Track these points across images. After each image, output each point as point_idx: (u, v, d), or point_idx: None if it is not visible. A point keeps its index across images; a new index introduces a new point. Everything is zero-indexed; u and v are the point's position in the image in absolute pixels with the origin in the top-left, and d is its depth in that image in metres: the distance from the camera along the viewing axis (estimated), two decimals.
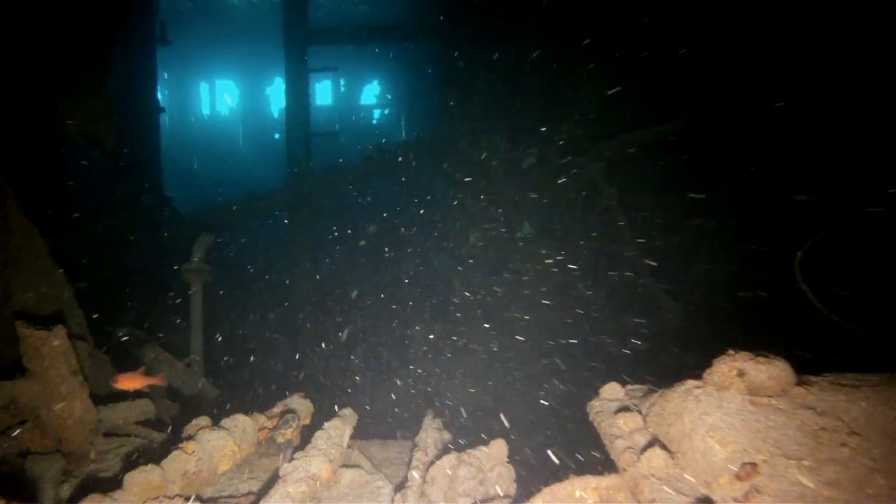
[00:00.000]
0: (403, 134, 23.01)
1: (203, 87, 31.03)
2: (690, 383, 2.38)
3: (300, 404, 3.73)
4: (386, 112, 30.61)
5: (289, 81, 11.26)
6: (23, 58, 4.54)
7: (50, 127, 4.90)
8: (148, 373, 4.48)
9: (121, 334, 5.63)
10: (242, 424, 3.22)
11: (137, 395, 4.78)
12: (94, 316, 5.71)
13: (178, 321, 6.66)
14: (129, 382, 3.71)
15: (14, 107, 4.54)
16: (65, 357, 3.49)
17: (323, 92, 32.88)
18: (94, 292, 6.71)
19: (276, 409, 3.66)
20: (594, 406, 2.81)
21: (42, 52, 4.68)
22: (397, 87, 26.10)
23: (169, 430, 4.11)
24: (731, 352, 2.35)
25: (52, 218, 7.59)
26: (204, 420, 3.17)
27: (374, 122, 31.10)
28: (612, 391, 2.92)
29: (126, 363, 5.64)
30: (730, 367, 2.29)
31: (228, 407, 5.48)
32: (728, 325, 7.67)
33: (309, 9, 11.46)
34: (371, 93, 33.95)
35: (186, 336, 6.27)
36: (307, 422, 3.67)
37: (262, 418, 3.43)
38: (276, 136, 23.14)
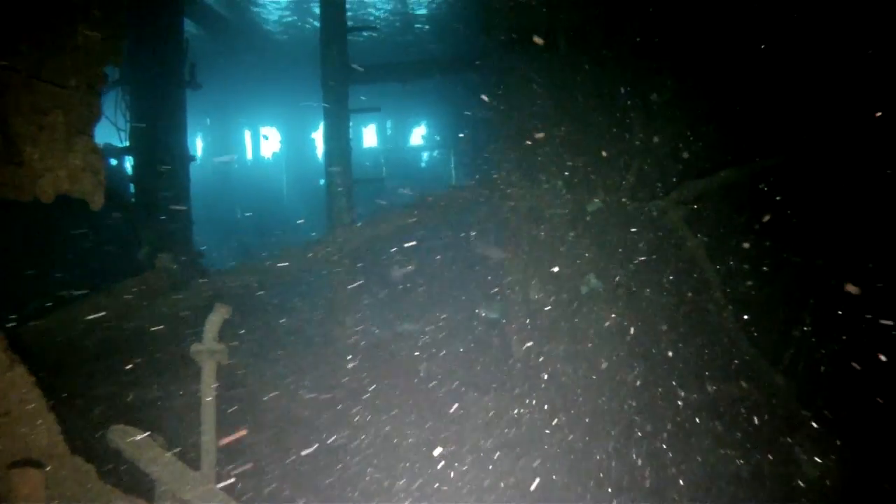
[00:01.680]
0: (454, 177, 22.15)
1: (246, 133, 30.67)
2: None
3: None
4: (435, 154, 29.86)
5: (328, 123, 10.40)
6: None
7: (19, 187, 3.97)
8: None
9: (110, 436, 4.62)
10: None
11: None
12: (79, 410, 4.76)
13: (187, 411, 5.68)
14: None
15: None
16: None
17: (369, 134, 32.41)
18: (84, 380, 5.80)
19: None
20: None
21: None
22: (446, 128, 25.30)
23: None
24: None
25: (41, 293, 6.84)
26: None
27: (423, 164, 30.35)
28: None
29: (116, 472, 4.64)
30: None
31: None
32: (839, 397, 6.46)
33: (349, 46, 10.64)
34: (419, 135, 33.35)
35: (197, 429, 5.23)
36: None
37: None
38: (322, 181, 22.44)
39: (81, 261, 7.93)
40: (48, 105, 4.06)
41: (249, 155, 31.49)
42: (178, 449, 5.33)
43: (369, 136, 33.98)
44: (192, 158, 11.02)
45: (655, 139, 7.90)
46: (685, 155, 7.70)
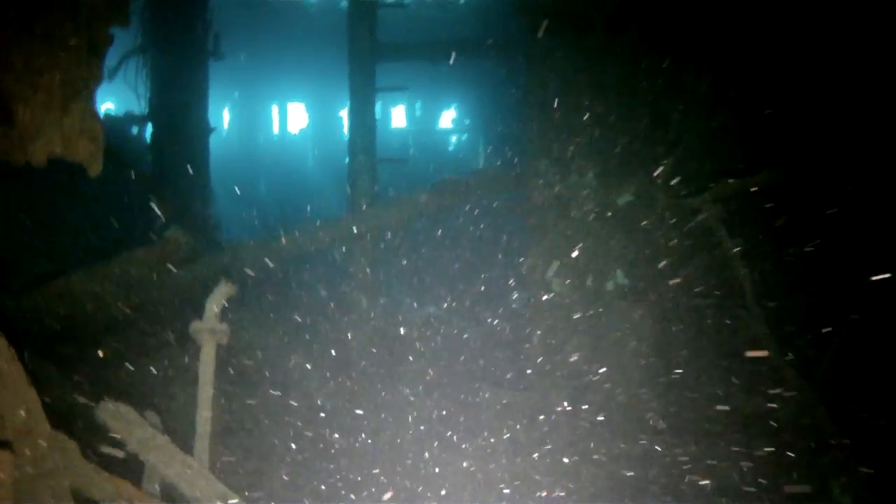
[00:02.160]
0: (482, 162, 21.76)
1: (273, 108, 30.39)
2: None
3: None
4: (464, 138, 29.48)
5: (353, 100, 10.07)
6: None
7: (8, 149, 3.70)
8: None
9: (98, 413, 4.37)
10: None
11: None
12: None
13: (186, 391, 5.42)
14: None
15: None
16: None
17: (398, 115, 32.13)
18: (78, 353, 5.56)
19: None
20: None
21: None
22: (476, 112, 24.87)
23: None
24: None
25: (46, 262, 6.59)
26: None
27: (451, 148, 30.01)
28: None
29: (103, 451, 4.39)
30: None
31: None
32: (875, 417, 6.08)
33: (379, 22, 10.29)
34: (449, 118, 32.98)
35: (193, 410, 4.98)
36: None
37: None
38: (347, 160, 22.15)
39: (91, 229, 7.70)
40: (43, 64, 3.78)
41: (276, 130, 31.28)
42: (173, 429, 5.10)
43: (398, 118, 33.66)
44: (212, 129, 10.78)
45: (692, 133, 7.52)
46: (723, 152, 7.32)
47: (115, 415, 4.49)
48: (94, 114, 4.03)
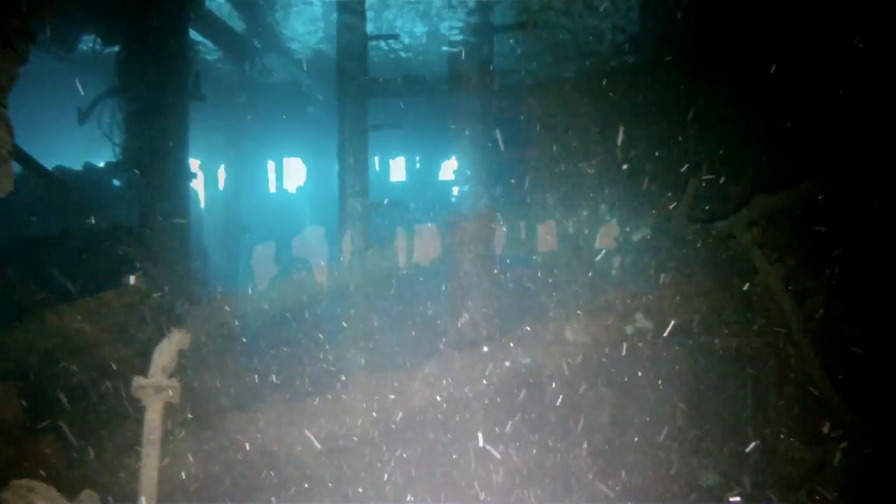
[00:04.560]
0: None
1: (269, 165, 30.00)
2: None
3: None
4: (465, 189, 29.02)
5: (343, 140, 9.29)
6: None
7: None
8: None
9: (5, 496, 3.45)
10: None
11: None
12: None
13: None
14: None
15: None
16: None
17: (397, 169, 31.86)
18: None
19: None
20: None
21: None
22: (477, 159, 24.36)
23: None
24: None
25: None
26: None
27: (453, 199, 29.56)
28: None
29: None
30: None
31: None
32: None
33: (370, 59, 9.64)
34: (450, 169, 32.65)
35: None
36: None
37: None
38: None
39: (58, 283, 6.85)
40: None
41: (273, 188, 30.85)
42: None
43: (397, 171, 33.23)
44: (194, 175, 10.03)
45: (715, 150, 6.75)
46: (754, 167, 6.50)
47: (27, 496, 3.56)
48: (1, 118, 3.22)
